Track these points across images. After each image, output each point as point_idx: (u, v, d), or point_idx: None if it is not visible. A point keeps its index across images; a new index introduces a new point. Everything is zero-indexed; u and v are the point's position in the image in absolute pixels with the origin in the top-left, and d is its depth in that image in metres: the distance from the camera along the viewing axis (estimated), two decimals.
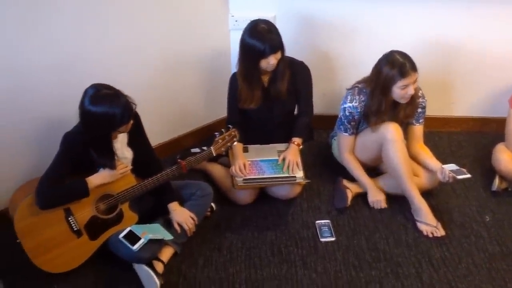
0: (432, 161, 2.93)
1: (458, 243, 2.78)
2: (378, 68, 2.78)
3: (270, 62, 2.72)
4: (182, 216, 2.67)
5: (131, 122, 2.42)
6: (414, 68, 2.69)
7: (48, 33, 2.61)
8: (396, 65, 2.68)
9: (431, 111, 3.06)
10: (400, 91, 2.71)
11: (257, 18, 2.77)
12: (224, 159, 3.26)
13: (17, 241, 2.43)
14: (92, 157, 2.46)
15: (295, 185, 3.00)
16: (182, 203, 2.75)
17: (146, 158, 2.73)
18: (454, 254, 2.71)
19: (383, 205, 2.99)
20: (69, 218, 2.50)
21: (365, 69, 2.90)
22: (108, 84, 2.36)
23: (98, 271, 2.64)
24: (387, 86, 2.73)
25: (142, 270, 2.52)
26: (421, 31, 3.35)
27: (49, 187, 2.42)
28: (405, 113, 2.88)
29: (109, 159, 2.49)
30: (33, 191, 2.43)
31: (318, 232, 2.87)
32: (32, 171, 2.78)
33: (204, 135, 3.62)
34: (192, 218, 2.69)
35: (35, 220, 2.45)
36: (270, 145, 3.05)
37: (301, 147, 3.01)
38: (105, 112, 2.27)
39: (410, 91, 2.71)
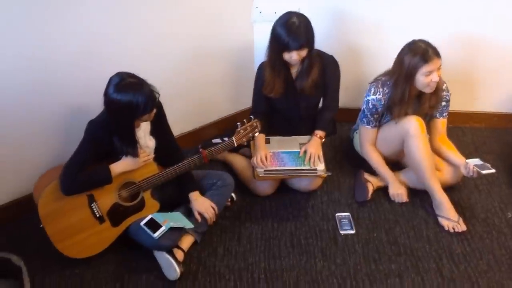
0: (455, 155, 2.90)
1: (479, 239, 2.75)
2: (400, 57, 2.75)
3: (292, 57, 2.71)
4: (203, 205, 2.69)
5: (154, 111, 2.43)
6: (437, 53, 2.66)
7: (74, 22, 2.63)
8: (418, 51, 2.65)
9: (454, 106, 3.04)
10: (424, 78, 2.68)
11: (288, 10, 2.76)
12: (245, 150, 3.27)
13: (41, 226, 2.47)
14: (116, 145, 2.48)
15: (316, 178, 3.00)
16: (203, 193, 2.77)
17: (168, 147, 2.75)
18: (475, 250, 2.68)
19: (405, 199, 2.97)
20: (92, 205, 2.53)
21: (389, 63, 2.88)
22: (132, 73, 2.38)
23: (119, 257, 2.68)
24: (411, 74, 2.69)
25: (163, 257, 2.54)
26: (448, 26, 3.31)
27: (73, 174, 2.45)
28: (429, 104, 2.85)
29: (131, 147, 2.51)
30: (57, 178, 2.46)
31: (338, 224, 2.86)
32: (57, 158, 2.83)
33: (226, 126, 3.64)
34: (213, 208, 2.70)
35: (58, 206, 2.49)
36: (292, 137, 3.05)
37: (323, 140, 3.00)
38: (129, 100, 2.29)
39: (435, 77, 2.67)
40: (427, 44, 2.68)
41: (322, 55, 2.91)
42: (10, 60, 2.53)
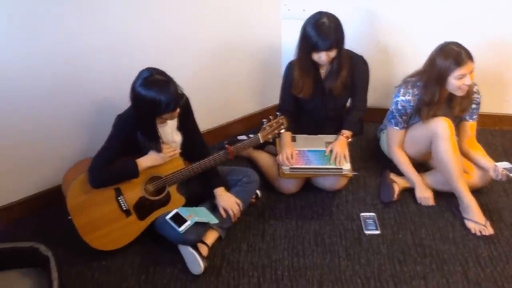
0: (484, 158, 2.87)
1: (506, 243, 2.71)
2: (432, 58, 2.72)
3: (321, 57, 2.71)
4: (228, 201, 2.70)
5: (177, 111, 2.44)
6: (470, 56, 2.62)
7: (104, 17, 2.67)
8: (451, 54, 2.62)
9: (484, 108, 2.98)
10: (456, 81, 2.64)
11: (314, 10, 2.76)
12: (271, 147, 3.27)
13: (69, 217, 2.51)
14: (139, 139, 2.52)
15: (341, 177, 2.99)
16: (228, 189, 2.78)
17: (194, 143, 2.77)
18: (502, 254, 2.65)
19: (431, 202, 2.94)
20: (119, 198, 2.56)
21: (419, 64, 2.86)
22: (162, 70, 2.40)
23: (144, 250, 2.71)
24: (443, 76, 2.66)
25: (187, 252, 2.56)
26: (478, 27, 3.27)
27: (101, 167, 2.48)
28: (460, 107, 2.82)
29: (153, 142, 2.54)
30: (86, 170, 2.50)
31: (362, 224, 2.85)
32: (85, 151, 2.88)
33: (251, 123, 3.65)
34: (238, 204, 2.71)
35: (86, 198, 2.52)
36: (319, 135, 3.04)
37: (349, 139, 2.99)
38: (153, 97, 2.31)
39: (467, 81, 2.64)
40: (460, 46, 2.64)
41: (351, 56, 2.90)
42: (40, 54, 2.58)
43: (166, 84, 2.34)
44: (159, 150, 2.56)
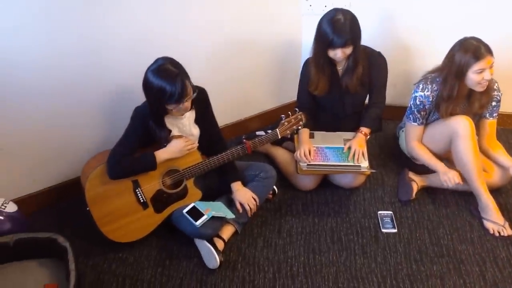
0: (504, 157, 2.84)
1: None
2: (451, 54, 2.69)
3: (337, 54, 2.70)
4: (244, 196, 2.71)
5: (184, 105, 2.42)
6: (489, 51, 2.59)
7: (126, 10, 2.69)
8: (470, 48, 2.59)
9: (505, 107, 2.96)
10: (475, 76, 2.61)
11: (336, 6, 2.75)
12: (289, 143, 3.27)
13: (87, 208, 2.53)
14: (151, 127, 2.53)
15: (359, 175, 2.98)
16: (245, 184, 2.78)
17: (212, 136, 2.78)
18: None
19: (458, 179, 2.78)
20: (137, 190, 2.58)
21: (439, 61, 2.82)
22: (178, 61, 2.40)
23: (161, 243, 2.73)
24: (462, 71, 2.63)
25: (204, 246, 2.57)
26: (499, 24, 3.23)
27: (119, 159, 2.50)
28: (480, 103, 2.78)
29: (159, 130, 2.54)
30: (104, 162, 2.52)
31: (380, 222, 2.84)
32: (105, 143, 2.91)
33: (269, 119, 3.65)
34: (254, 199, 2.72)
35: (104, 189, 2.54)
36: (337, 132, 3.03)
37: (368, 137, 2.98)
38: (160, 86, 2.31)
39: (487, 76, 2.60)
40: (479, 41, 2.61)
41: (368, 52, 2.89)
42: (63, 46, 2.60)
43: (175, 75, 2.33)
44: (165, 139, 2.57)
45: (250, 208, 2.70)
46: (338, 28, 2.63)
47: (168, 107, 2.41)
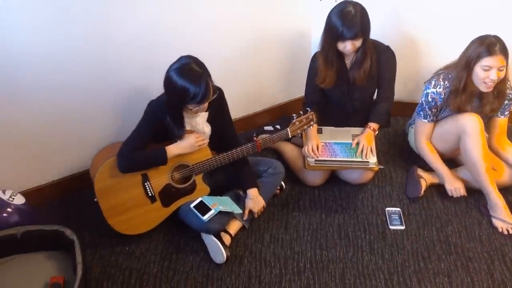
0: None
1: None
2: (467, 46, 2.67)
3: (346, 46, 2.68)
4: (257, 205, 2.74)
5: (205, 105, 2.43)
6: (504, 52, 2.55)
7: (136, 4, 2.68)
8: (485, 42, 2.56)
9: None
10: (482, 72, 2.58)
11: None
12: (297, 139, 3.25)
13: (95, 200, 2.54)
14: (167, 122, 2.52)
15: (367, 171, 2.96)
16: (259, 189, 2.79)
17: (225, 134, 2.77)
18: None
19: (463, 192, 2.85)
20: (146, 184, 2.58)
21: (450, 59, 2.81)
22: (202, 61, 2.39)
23: (168, 238, 2.73)
24: (471, 63, 2.61)
25: (210, 240, 2.57)
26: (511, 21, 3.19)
27: (130, 151, 2.50)
28: (491, 107, 2.76)
29: (177, 128, 2.53)
30: (115, 154, 2.52)
31: (387, 219, 2.82)
32: (116, 136, 2.91)
33: (279, 114, 3.64)
34: (263, 207, 2.75)
35: (113, 182, 2.55)
36: (345, 128, 3.01)
37: (376, 132, 2.96)
38: (183, 86, 2.30)
39: (493, 75, 2.57)
40: (498, 39, 2.58)
41: (377, 45, 2.86)
42: (75, 40, 2.60)
43: (199, 76, 2.32)
44: (181, 136, 2.56)
45: (256, 212, 2.74)
46: (348, 20, 2.60)
47: (188, 106, 2.41)
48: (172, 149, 2.56)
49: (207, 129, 2.69)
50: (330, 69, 2.84)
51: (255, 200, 2.73)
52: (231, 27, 3.10)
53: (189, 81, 2.30)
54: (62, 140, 2.86)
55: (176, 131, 2.54)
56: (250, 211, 2.73)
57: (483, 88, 2.66)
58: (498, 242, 2.67)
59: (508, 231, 2.71)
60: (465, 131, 2.73)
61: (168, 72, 2.35)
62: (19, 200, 2.60)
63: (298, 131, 2.73)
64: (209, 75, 2.37)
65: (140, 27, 2.75)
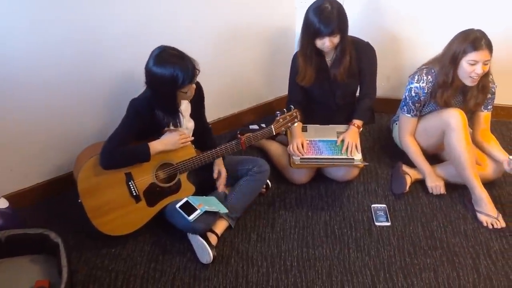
0: (498, 151, 2.83)
1: None
2: (451, 41, 2.69)
3: (325, 43, 2.68)
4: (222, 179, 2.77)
5: (194, 86, 2.44)
6: (489, 46, 2.58)
7: (119, 2, 2.67)
8: (470, 37, 2.58)
9: (499, 99, 2.95)
10: (468, 66, 2.61)
11: None
12: (282, 137, 3.26)
13: (79, 200, 2.51)
14: (158, 118, 2.51)
15: (352, 168, 2.97)
16: (238, 178, 2.80)
17: (202, 128, 2.78)
18: None
19: (442, 190, 2.92)
20: (130, 183, 2.56)
21: (432, 54, 2.83)
22: (173, 46, 2.39)
23: (154, 239, 2.72)
24: (456, 58, 2.63)
25: (197, 240, 2.56)
26: (493, 16, 3.21)
27: (113, 147, 2.48)
28: (476, 101, 2.79)
29: (173, 117, 2.53)
30: (97, 153, 2.49)
31: (373, 216, 2.83)
32: (96, 137, 2.87)
33: (264, 112, 3.64)
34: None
35: (97, 181, 2.52)
36: (330, 125, 3.02)
37: (361, 129, 2.97)
38: (169, 72, 2.30)
39: (478, 69, 2.59)
40: (483, 34, 2.60)
41: (356, 42, 2.87)
42: (56, 40, 2.58)
43: (181, 58, 2.33)
44: (179, 124, 2.56)
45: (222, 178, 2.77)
46: (325, 16, 2.61)
47: (182, 90, 2.39)
48: (155, 145, 2.54)
49: (190, 124, 2.68)
50: (309, 66, 2.84)
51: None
52: (213, 25, 3.08)
53: (172, 65, 2.30)
54: (45, 142, 2.83)
55: (173, 121, 2.53)
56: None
57: (468, 82, 2.68)
58: (483, 236, 2.69)
59: (492, 225, 2.74)
60: (449, 126, 2.75)
61: (149, 70, 2.35)
62: (3, 203, 2.58)
63: (282, 128, 2.73)
64: (186, 54, 2.37)
65: (121, 26, 2.73)
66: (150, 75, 2.36)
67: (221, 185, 2.77)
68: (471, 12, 3.21)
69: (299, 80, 2.90)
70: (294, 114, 2.74)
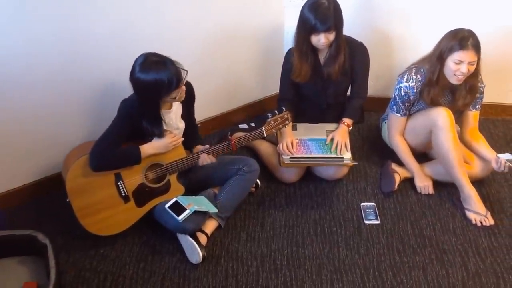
0: (486, 149, 2.85)
1: (507, 234, 2.70)
2: (440, 39, 2.70)
3: (320, 40, 2.68)
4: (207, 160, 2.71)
5: (183, 89, 2.43)
6: (476, 47, 2.58)
7: (107, 3, 2.65)
8: (458, 36, 2.59)
9: (487, 98, 2.95)
10: (453, 65, 2.61)
11: None
12: (272, 136, 3.25)
13: (67, 200, 2.50)
14: (144, 126, 2.50)
15: (342, 166, 2.97)
16: (227, 178, 2.78)
17: (190, 128, 2.78)
18: (502, 245, 2.64)
19: (430, 191, 2.94)
20: (119, 183, 2.55)
21: (421, 53, 2.83)
22: (158, 52, 2.38)
23: (143, 239, 2.71)
24: (443, 55, 2.64)
25: (186, 240, 2.56)
26: (483, 16, 3.22)
27: (103, 150, 2.47)
28: (464, 102, 2.80)
29: (156, 127, 2.52)
30: (86, 153, 2.48)
31: (362, 214, 2.84)
32: (85, 137, 2.87)
33: (254, 111, 3.63)
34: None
35: (86, 181, 2.51)
36: (319, 124, 3.02)
37: (350, 128, 2.97)
38: (154, 79, 2.30)
39: (463, 69, 2.60)
40: (471, 34, 2.61)
41: (350, 41, 2.87)
42: (42, 39, 2.56)
43: (164, 64, 2.32)
44: (162, 135, 2.55)
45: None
46: (322, 12, 2.61)
47: (170, 96, 2.39)
48: (146, 149, 2.53)
49: (181, 124, 2.68)
50: (305, 63, 2.84)
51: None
52: (202, 26, 3.07)
53: (157, 72, 2.30)
54: (33, 142, 2.81)
55: (157, 131, 2.52)
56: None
57: (453, 81, 2.69)
58: (472, 234, 2.71)
59: (481, 222, 2.75)
60: (436, 125, 2.76)
61: (134, 78, 2.34)
62: None
63: (273, 130, 2.73)
64: (170, 59, 2.37)
65: (110, 26, 2.72)
66: (136, 83, 2.36)
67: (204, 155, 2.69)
68: (462, 12, 3.22)
69: (294, 76, 2.89)
70: (286, 116, 2.74)
